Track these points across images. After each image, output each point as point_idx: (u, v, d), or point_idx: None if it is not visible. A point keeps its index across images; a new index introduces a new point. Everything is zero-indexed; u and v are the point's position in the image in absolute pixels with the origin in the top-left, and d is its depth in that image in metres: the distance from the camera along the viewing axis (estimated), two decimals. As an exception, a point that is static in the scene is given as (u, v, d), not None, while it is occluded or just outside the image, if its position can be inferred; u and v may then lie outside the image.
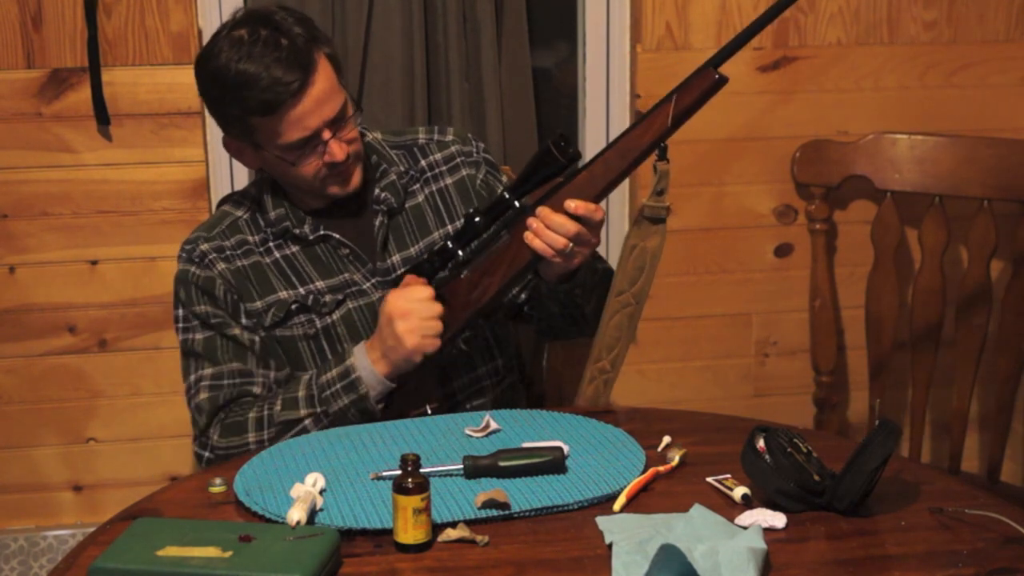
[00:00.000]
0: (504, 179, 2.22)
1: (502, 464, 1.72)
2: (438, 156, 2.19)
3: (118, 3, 2.63)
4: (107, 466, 2.85)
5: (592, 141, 2.86)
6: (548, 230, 1.91)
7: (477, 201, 2.15)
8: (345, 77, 2.12)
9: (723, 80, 1.88)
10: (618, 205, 2.92)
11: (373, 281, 2.10)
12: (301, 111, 1.97)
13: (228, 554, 1.49)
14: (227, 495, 1.71)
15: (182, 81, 2.69)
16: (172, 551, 1.50)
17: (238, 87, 1.96)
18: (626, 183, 2.88)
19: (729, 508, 1.64)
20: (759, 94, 2.85)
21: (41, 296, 2.76)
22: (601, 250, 2.45)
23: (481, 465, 1.73)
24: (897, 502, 1.66)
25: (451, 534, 1.58)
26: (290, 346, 2.09)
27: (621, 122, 2.85)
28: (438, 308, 1.97)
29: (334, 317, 2.09)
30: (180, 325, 2.10)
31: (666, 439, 1.84)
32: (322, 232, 2.09)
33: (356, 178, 2.08)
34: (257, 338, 2.07)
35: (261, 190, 2.13)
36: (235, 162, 2.78)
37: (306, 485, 1.65)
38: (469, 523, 1.60)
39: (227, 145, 2.09)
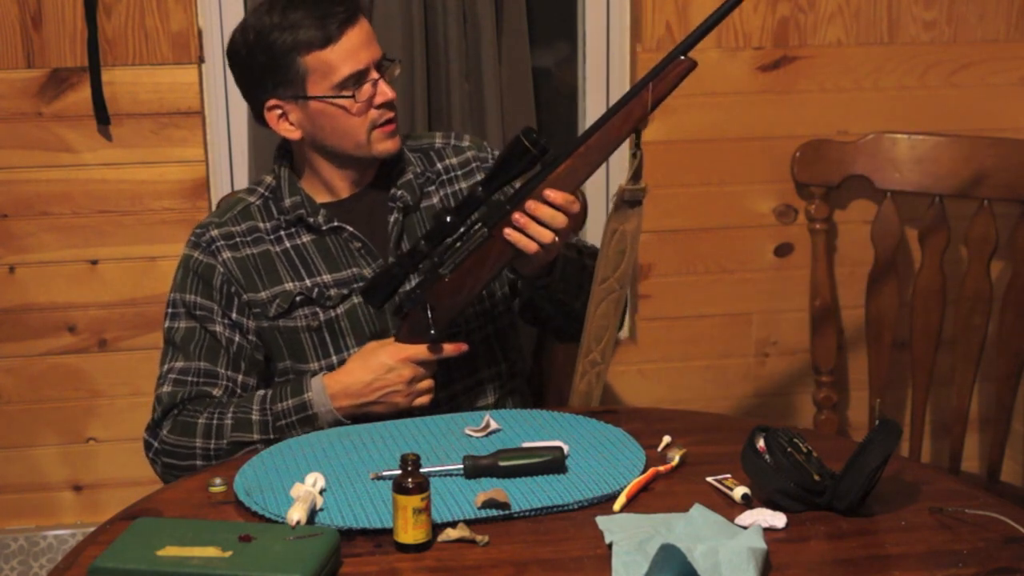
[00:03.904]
0: (517, 184, 2.23)
1: (502, 464, 1.72)
2: (454, 160, 2.21)
3: (118, 3, 2.64)
4: (107, 466, 2.85)
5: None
6: (536, 224, 1.92)
7: None
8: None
9: (694, 64, 1.92)
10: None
11: (358, 287, 2.10)
12: (355, 41, 2.04)
13: (228, 554, 1.49)
14: (227, 495, 1.71)
15: (182, 81, 2.69)
16: (172, 551, 1.50)
17: (291, 28, 2.02)
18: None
19: (729, 508, 1.64)
20: (759, 94, 2.85)
21: (41, 296, 2.76)
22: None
23: (481, 465, 1.73)
24: (897, 502, 1.66)
25: (451, 534, 1.58)
26: (293, 337, 2.10)
27: (621, 122, 2.85)
28: (432, 370, 2.03)
29: (338, 311, 2.10)
30: (169, 310, 2.12)
31: (666, 439, 1.84)
32: (335, 223, 2.10)
33: (399, 138, 2.12)
34: (236, 338, 2.09)
35: (279, 178, 2.15)
36: (235, 162, 2.79)
37: (306, 485, 1.65)
38: (469, 523, 1.60)
39: (270, 115, 2.10)
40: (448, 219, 1.95)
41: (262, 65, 2.06)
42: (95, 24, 2.62)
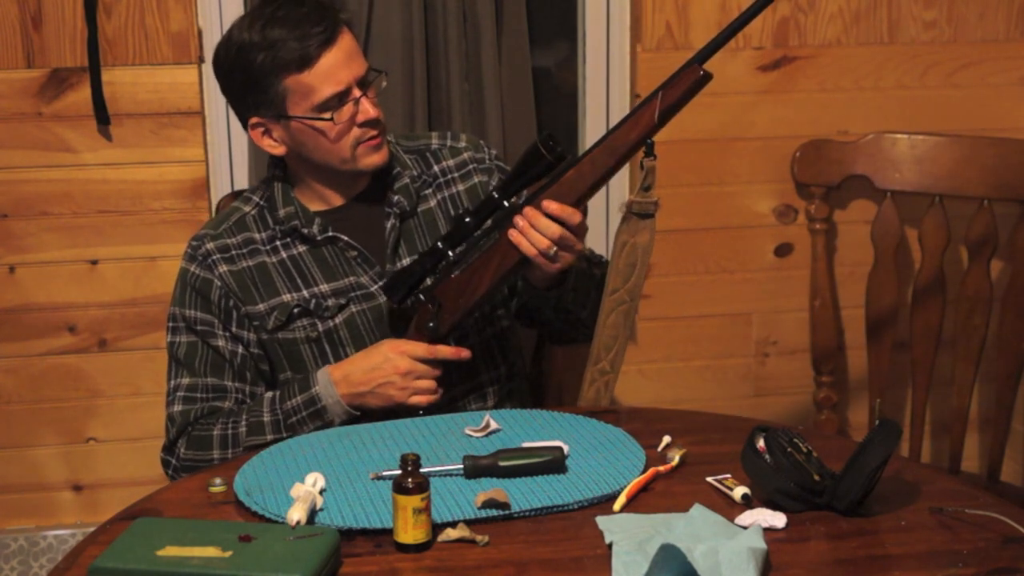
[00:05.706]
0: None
1: (502, 464, 1.72)
2: (451, 162, 2.19)
3: (118, 3, 2.63)
4: (107, 466, 2.85)
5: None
6: (533, 230, 1.92)
7: None
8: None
9: (708, 76, 1.88)
10: (616, 201, 2.92)
11: (381, 284, 2.09)
12: (334, 62, 2.00)
13: (228, 554, 1.49)
14: (227, 495, 1.71)
15: (182, 81, 2.69)
16: (172, 551, 1.50)
17: (270, 48, 2.00)
18: (622, 179, 2.89)
19: (729, 508, 1.64)
20: (759, 94, 2.85)
21: (41, 296, 2.76)
22: (596, 247, 2.46)
23: (481, 465, 1.73)
24: (897, 502, 1.66)
25: (451, 534, 1.58)
26: (292, 348, 2.09)
27: (621, 122, 2.85)
28: (434, 371, 2.02)
29: (336, 321, 2.09)
30: (169, 324, 2.12)
31: (666, 439, 1.84)
32: (330, 233, 2.09)
33: (386, 149, 2.09)
34: (239, 350, 2.08)
35: (272, 187, 2.13)
36: (235, 162, 2.78)
37: (306, 485, 1.65)
38: (469, 523, 1.60)
39: (253, 131, 2.09)
40: (467, 220, 1.97)
41: (242, 83, 2.05)
42: (95, 24, 2.62)
